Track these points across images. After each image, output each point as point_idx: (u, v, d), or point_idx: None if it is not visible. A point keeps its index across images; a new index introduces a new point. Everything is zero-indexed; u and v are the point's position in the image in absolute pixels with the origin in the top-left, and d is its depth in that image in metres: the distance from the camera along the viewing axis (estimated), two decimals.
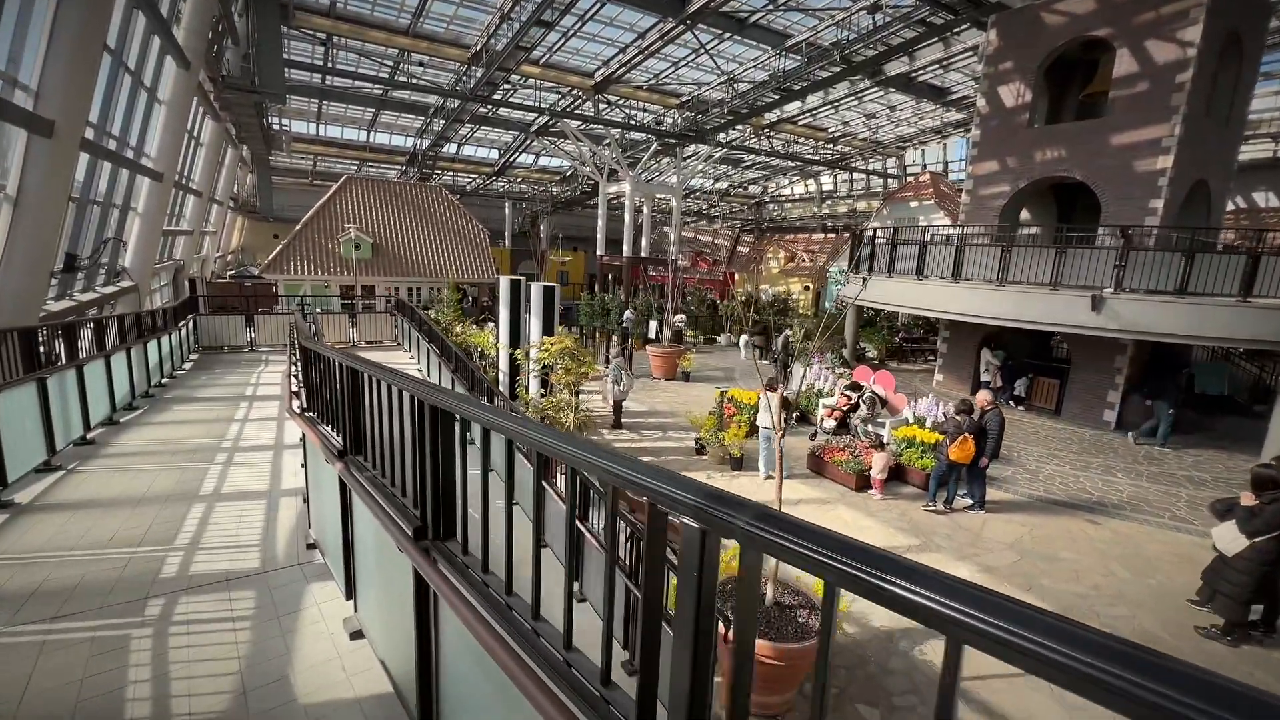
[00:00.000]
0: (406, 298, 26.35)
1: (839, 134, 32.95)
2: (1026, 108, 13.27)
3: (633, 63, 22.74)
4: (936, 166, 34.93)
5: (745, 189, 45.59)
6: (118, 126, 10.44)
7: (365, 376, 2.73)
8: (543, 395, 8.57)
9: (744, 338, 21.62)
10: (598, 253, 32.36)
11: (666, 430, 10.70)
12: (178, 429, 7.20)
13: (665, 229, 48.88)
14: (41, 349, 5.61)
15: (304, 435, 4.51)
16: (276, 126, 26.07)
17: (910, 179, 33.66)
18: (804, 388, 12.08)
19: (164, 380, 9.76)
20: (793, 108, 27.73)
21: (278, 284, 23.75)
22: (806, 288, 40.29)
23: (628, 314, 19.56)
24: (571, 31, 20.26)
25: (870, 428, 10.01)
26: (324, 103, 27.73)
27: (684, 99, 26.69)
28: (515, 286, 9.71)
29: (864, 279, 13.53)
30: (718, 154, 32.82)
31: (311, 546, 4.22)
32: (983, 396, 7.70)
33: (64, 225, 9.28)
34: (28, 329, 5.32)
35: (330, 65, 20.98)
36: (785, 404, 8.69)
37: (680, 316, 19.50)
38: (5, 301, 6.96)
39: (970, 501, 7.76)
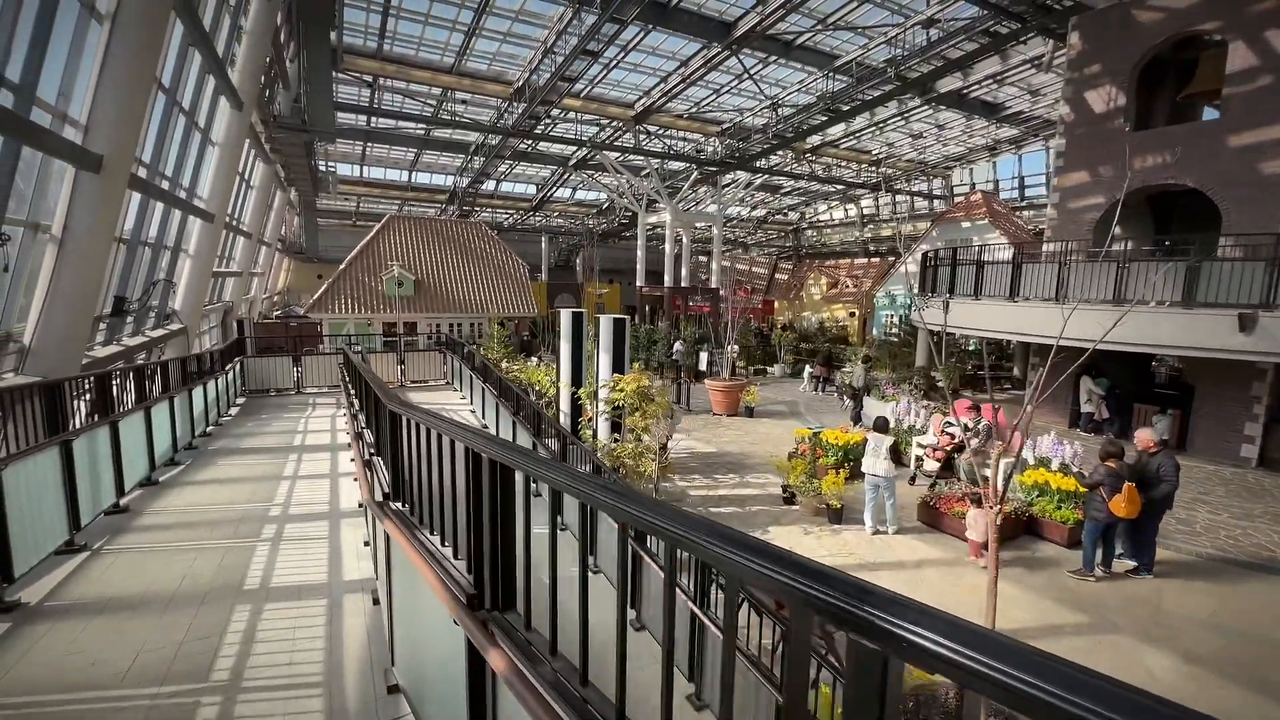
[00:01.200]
0: (448, 333, 26.09)
1: (883, 156, 32.04)
2: (1120, 112, 12.16)
3: (674, 92, 22.44)
4: (986, 185, 33.60)
5: (785, 215, 44.81)
6: (170, 167, 10.21)
7: (486, 460, 1.85)
8: (615, 440, 7.67)
9: (807, 369, 20.44)
10: (637, 283, 31.81)
11: (742, 473, 9.64)
12: (222, 490, 6.42)
13: (701, 258, 48.38)
14: (76, 401, 5.01)
15: (370, 512, 3.67)
16: (323, 169, 26.52)
17: (960, 199, 32.37)
18: (892, 424, 10.89)
19: (209, 429, 9.20)
20: (836, 131, 27.04)
21: (322, 323, 23.72)
22: (852, 314, 38.90)
23: (677, 345, 18.67)
24: (614, 63, 20.06)
25: (980, 469, 8.76)
26: (368, 145, 28.25)
27: (724, 126, 26.26)
28: (577, 320, 8.93)
29: (945, 302, 12.37)
30: (757, 181, 32.23)
31: (394, 689, 3.02)
32: (1144, 436, 6.48)
33: (112, 267, 8.92)
34: (50, 384, 4.76)
35: (376, 106, 21.19)
36: (895, 451, 7.60)
37: (734, 347, 18.51)
38: (47, 350, 6.44)
39: (1133, 564, 6.46)
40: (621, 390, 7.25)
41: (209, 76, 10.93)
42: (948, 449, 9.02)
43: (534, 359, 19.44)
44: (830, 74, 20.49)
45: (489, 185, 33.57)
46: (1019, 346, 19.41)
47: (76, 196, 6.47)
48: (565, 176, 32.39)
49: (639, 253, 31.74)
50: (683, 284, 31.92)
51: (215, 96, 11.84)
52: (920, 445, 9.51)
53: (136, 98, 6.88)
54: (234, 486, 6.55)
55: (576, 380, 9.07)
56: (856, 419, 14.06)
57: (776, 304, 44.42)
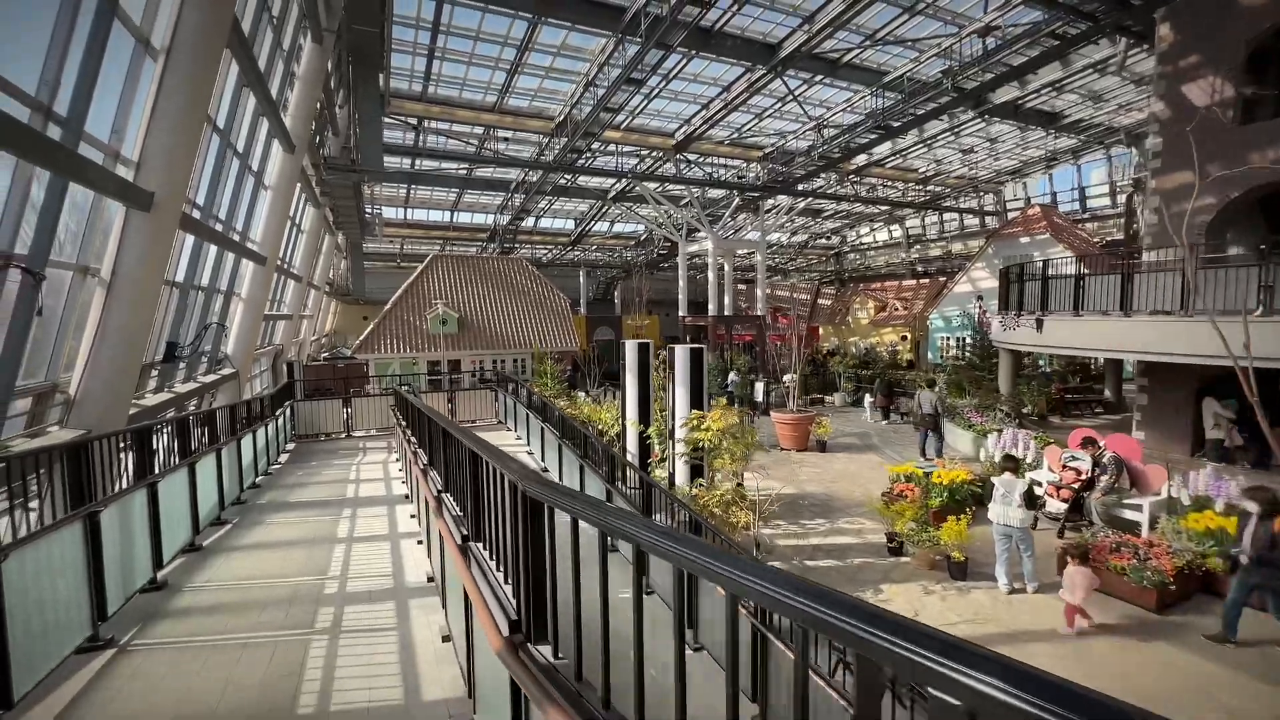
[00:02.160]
0: (496, 370, 25.81)
1: (931, 174, 30.96)
2: (1229, 104, 10.98)
3: (715, 118, 22.11)
4: (1042, 199, 32.05)
5: (829, 238, 43.79)
6: (224, 210, 10.07)
7: None
8: (698, 484, 6.79)
9: (868, 399, 19.18)
10: (680, 313, 31.14)
11: (831, 517, 8.58)
12: (271, 557, 5.69)
13: (740, 286, 47.55)
14: (113, 459, 4.48)
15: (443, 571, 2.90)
16: (369, 212, 27.00)
17: (1016, 214, 30.89)
18: (987, 459, 9.70)
19: (258, 479, 8.73)
20: (882, 149, 26.22)
21: (369, 363, 23.72)
22: (904, 337, 37.27)
23: (732, 376, 17.74)
24: (655, 92, 19.85)
25: (1117, 510, 7.53)
26: (412, 187, 28.80)
27: (767, 150, 25.76)
28: (644, 352, 8.18)
29: (1039, 320, 11.19)
30: (800, 205, 31.51)
31: None
32: None
33: (165, 312, 8.64)
34: (76, 444, 4.15)
35: (421, 147, 21.45)
36: (1030, 496, 6.49)
37: (790, 376, 17.48)
38: (93, 400, 6.01)
39: None
40: (706, 429, 6.42)
41: (262, 119, 10.89)
42: (1074, 486, 7.80)
43: (582, 394, 18.80)
44: (878, 91, 19.81)
45: (529, 222, 33.79)
46: (1109, 365, 17.78)
47: (126, 236, 6.12)
48: (604, 210, 32.34)
49: (680, 282, 31.19)
50: (725, 313, 31.09)
51: (268, 140, 11.83)
52: (1045, 482, 8.31)
53: (188, 135, 6.58)
54: (284, 552, 5.82)
55: (644, 418, 8.26)
56: (936, 452, 12.80)
57: (821, 330, 43.07)
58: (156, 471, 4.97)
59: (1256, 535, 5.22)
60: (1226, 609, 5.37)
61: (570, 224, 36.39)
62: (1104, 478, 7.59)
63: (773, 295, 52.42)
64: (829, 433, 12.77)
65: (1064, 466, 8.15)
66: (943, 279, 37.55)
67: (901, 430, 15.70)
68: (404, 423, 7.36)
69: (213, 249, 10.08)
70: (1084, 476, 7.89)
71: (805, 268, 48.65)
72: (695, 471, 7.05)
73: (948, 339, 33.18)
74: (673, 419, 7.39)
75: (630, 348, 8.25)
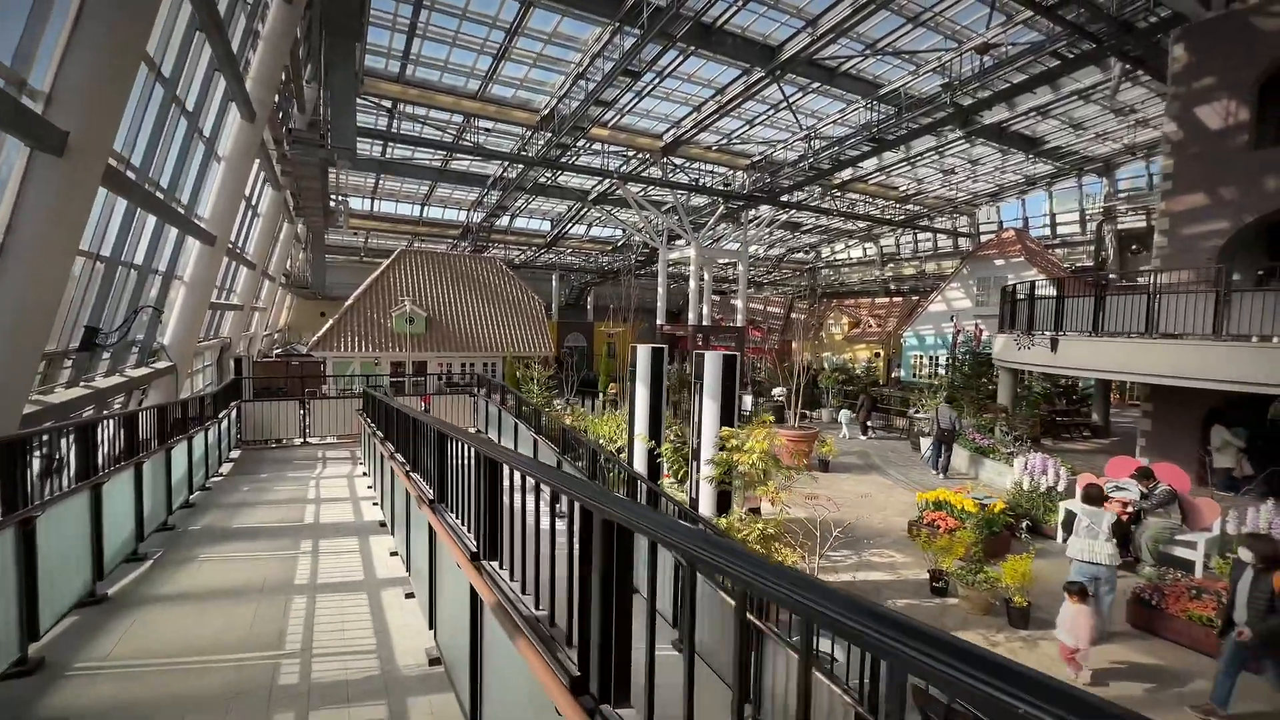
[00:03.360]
0: (461, 373, 24.35)
1: (912, 192, 31.14)
2: (1243, 128, 10.82)
3: (706, 122, 21.46)
4: (1015, 223, 32.66)
5: (806, 252, 43.82)
6: (167, 177, 8.65)
7: None
8: (738, 516, 5.81)
9: (845, 413, 18.70)
10: (658, 321, 30.29)
11: (857, 549, 7.74)
12: (202, 618, 4.13)
13: (714, 297, 47.08)
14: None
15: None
16: (335, 200, 25.26)
17: (991, 237, 31.34)
18: (1013, 487, 9.07)
19: (193, 496, 7.25)
20: (867, 165, 26.12)
21: (326, 362, 21.98)
22: (877, 354, 37.38)
23: (747, 399, 16.89)
24: (647, 90, 19.03)
25: (1169, 547, 6.92)
26: (381, 178, 27.17)
27: (754, 159, 25.29)
28: (657, 357, 7.22)
29: (1053, 340, 10.73)
30: (782, 217, 31.21)
31: None
32: None
33: (82, 289, 7.21)
34: None
35: (395, 131, 20.05)
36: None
37: (779, 389, 16.77)
38: None
39: None
40: (748, 450, 5.48)
41: (218, 79, 9.53)
42: (1124, 519, 7.18)
43: (558, 403, 17.66)
44: (873, 103, 19.52)
45: (504, 221, 32.47)
46: (1098, 388, 17.72)
47: (29, 186, 4.80)
48: (583, 212, 31.31)
49: (660, 290, 30.37)
50: (704, 323, 30.41)
51: (224, 104, 10.42)
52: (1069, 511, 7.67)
53: (118, 72, 5.32)
54: (222, 609, 4.26)
55: (655, 432, 7.27)
56: (943, 468, 12.24)
57: (795, 344, 42.93)
58: (36, 500, 3.48)
59: (1255, 592, 4.55)
60: (1219, 676, 4.69)
61: (546, 225, 35.21)
62: (1158, 510, 7.00)
63: (746, 307, 52.30)
64: (835, 452, 12.01)
65: (1113, 499, 7.54)
66: (915, 297, 37.93)
67: (892, 448, 15.17)
68: (378, 430, 6.18)
69: (150, 221, 8.64)
70: (1130, 509, 7.29)
71: (779, 281, 48.64)
72: (722, 499, 6.11)
73: (920, 357, 33.38)
74: (695, 436, 6.43)
75: (642, 352, 7.27)
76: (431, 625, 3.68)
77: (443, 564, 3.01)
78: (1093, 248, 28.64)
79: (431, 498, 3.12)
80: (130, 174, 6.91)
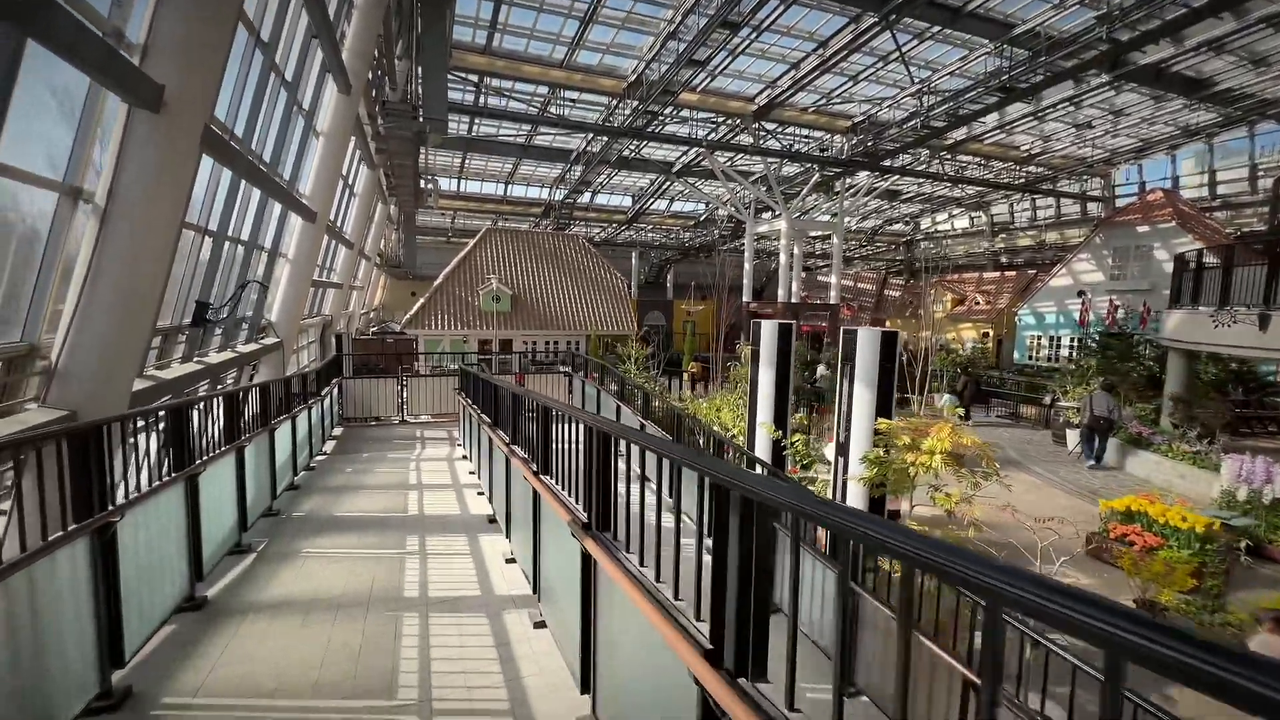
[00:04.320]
0: (545, 351, 24.30)
1: (1036, 151, 27.68)
2: None
3: (804, 80, 19.72)
4: (1162, 183, 28.36)
5: (907, 223, 40.62)
6: (269, 151, 8.51)
7: None
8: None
9: (947, 398, 16.89)
10: (744, 299, 28.92)
11: (1029, 568, 6.48)
12: (302, 634, 3.58)
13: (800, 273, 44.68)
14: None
15: None
16: (425, 182, 25.68)
17: (1132, 200, 27.42)
18: (1222, 494, 7.40)
19: (297, 478, 7.00)
20: (987, 121, 23.29)
21: (418, 340, 22.50)
22: (985, 334, 34.10)
23: (821, 370, 15.60)
24: (743, 46, 17.60)
25: None
26: (467, 156, 27.35)
27: (856, 120, 23.18)
28: (784, 335, 6.25)
29: (1262, 316, 8.72)
30: (883, 185, 28.75)
31: None
32: None
33: (193, 264, 7.11)
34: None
35: (481, 106, 19.83)
36: None
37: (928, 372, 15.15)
38: (82, 369, 4.44)
39: None
40: (930, 450, 4.45)
41: (315, 49, 9.30)
42: None
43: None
44: (1003, 46, 17.11)
45: (584, 197, 32.03)
46: None
47: (129, 146, 4.48)
48: (666, 185, 30.27)
49: (746, 266, 28.96)
50: (794, 300, 28.74)
51: (322, 76, 10.24)
52: None
53: (214, 26, 4.91)
54: (324, 624, 3.68)
55: (780, 421, 6.34)
56: (1097, 457, 10.51)
57: (888, 323, 40.08)
58: (118, 500, 2.89)
59: None
60: None
61: (628, 201, 34.47)
62: None
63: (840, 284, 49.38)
64: (981, 445, 10.46)
65: None
66: (1032, 271, 34.12)
67: (1027, 439, 13.34)
68: (485, 416, 5.62)
69: (255, 195, 8.54)
70: None
71: (872, 256, 45.50)
72: (875, 505, 5.13)
73: (1039, 337, 30.06)
74: (842, 429, 5.44)
75: (767, 330, 6.33)
76: (585, 686, 2.82)
77: (607, 604, 2.33)
78: (1267, 209, 24.29)
79: (585, 520, 2.41)
80: (234, 145, 6.67)
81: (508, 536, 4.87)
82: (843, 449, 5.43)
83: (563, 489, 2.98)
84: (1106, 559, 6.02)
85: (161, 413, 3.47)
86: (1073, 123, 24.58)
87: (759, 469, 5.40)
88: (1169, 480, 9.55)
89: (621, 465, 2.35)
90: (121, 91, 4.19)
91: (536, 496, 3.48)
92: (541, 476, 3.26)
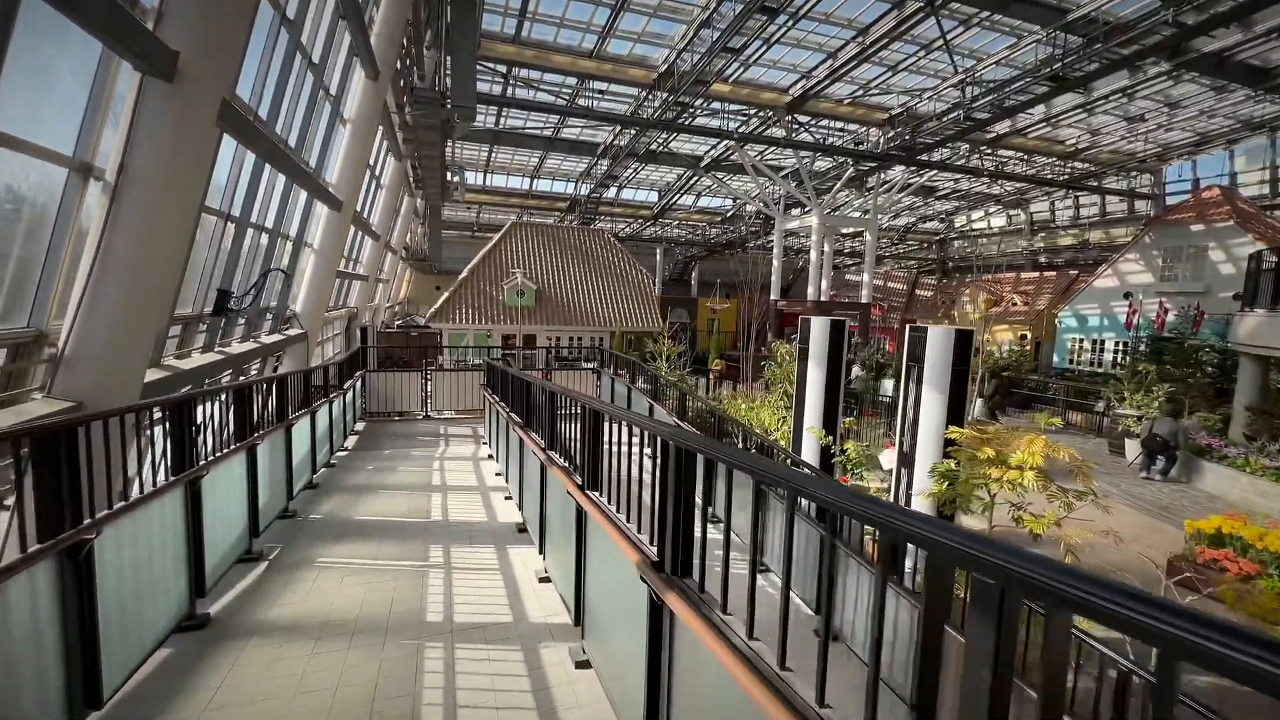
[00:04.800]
0: (569, 347, 23.99)
1: (1083, 146, 26.47)
2: None
3: (841, 71, 19.00)
4: (1218, 179, 26.91)
5: (942, 220, 39.44)
6: (294, 135, 8.24)
7: None
8: None
9: (978, 403, 16.17)
10: (772, 297, 28.25)
11: None
12: (310, 665, 3.16)
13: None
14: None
15: None
16: (452, 175, 25.60)
17: (1185, 198, 26.06)
18: None
19: (315, 478, 6.69)
20: (1032, 114, 22.26)
21: (442, 333, 22.37)
22: (1022, 337, 32.88)
23: (856, 370, 14.98)
24: (779, 34, 16.96)
25: None
26: (494, 150, 27.15)
27: (893, 112, 22.36)
28: (837, 333, 5.76)
29: None
30: (918, 180, 27.82)
31: None
32: None
33: (215, 249, 6.86)
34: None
35: (510, 97, 19.53)
36: None
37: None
38: (90, 357, 4.16)
39: None
40: (1021, 467, 3.91)
41: (342, 30, 9.02)
42: None
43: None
44: (1055, 33, 16.22)
45: (610, 192, 31.64)
46: None
47: (142, 118, 4.16)
48: (693, 180, 29.71)
49: (775, 263, 28.31)
50: (824, 298, 27.98)
51: (349, 60, 9.97)
52: None
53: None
54: (337, 656, 3.24)
55: (830, 425, 5.86)
56: (1162, 473, 9.80)
57: (919, 323, 38.93)
58: (92, 514, 2.39)
59: None
60: None
61: (654, 196, 33.99)
62: None
63: (860, 283, 48.24)
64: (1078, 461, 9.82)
65: None
66: (1074, 272, 32.77)
67: (1078, 446, 12.56)
68: (516, 416, 5.20)
69: (279, 183, 8.29)
70: None
71: (903, 255, 44.34)
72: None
73: (1080, 340, 28.82)
74: (907, 435, 4.93)
75: (818, 327, 5.84)
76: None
77: (688, 665, 1.89)
78: None
79: (656, 560, 1.96)
80: (256, 125, 6.37)
81: (541, 551, 4.48)
82: (906, 459, 4.93)
83: (621, 514, 2.52)
84: (1195, 587, 5.41)
85: (158, 410, 3.09)
86: (1124, 115, 23.39)
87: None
88: (1246, 497, 8.79)
89: (701, 492, 1.94)
90: (132, 57, 3.86)
91: (581, 515, 3.06)
92: (589, 493, 2.83)
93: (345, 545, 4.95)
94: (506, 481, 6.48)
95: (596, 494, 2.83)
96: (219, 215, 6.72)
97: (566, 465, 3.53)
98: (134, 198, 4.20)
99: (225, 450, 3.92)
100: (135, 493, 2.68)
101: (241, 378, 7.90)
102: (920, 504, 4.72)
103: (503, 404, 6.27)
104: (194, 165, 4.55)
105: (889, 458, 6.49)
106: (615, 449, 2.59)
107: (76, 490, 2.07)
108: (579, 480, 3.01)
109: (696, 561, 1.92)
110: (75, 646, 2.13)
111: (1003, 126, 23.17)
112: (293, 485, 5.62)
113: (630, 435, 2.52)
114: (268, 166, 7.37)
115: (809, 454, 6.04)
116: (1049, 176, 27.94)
